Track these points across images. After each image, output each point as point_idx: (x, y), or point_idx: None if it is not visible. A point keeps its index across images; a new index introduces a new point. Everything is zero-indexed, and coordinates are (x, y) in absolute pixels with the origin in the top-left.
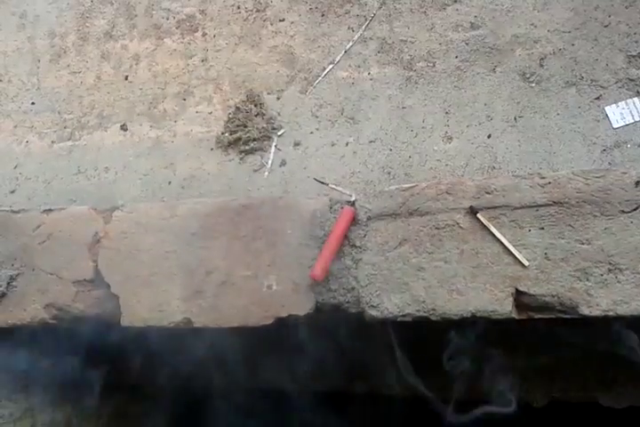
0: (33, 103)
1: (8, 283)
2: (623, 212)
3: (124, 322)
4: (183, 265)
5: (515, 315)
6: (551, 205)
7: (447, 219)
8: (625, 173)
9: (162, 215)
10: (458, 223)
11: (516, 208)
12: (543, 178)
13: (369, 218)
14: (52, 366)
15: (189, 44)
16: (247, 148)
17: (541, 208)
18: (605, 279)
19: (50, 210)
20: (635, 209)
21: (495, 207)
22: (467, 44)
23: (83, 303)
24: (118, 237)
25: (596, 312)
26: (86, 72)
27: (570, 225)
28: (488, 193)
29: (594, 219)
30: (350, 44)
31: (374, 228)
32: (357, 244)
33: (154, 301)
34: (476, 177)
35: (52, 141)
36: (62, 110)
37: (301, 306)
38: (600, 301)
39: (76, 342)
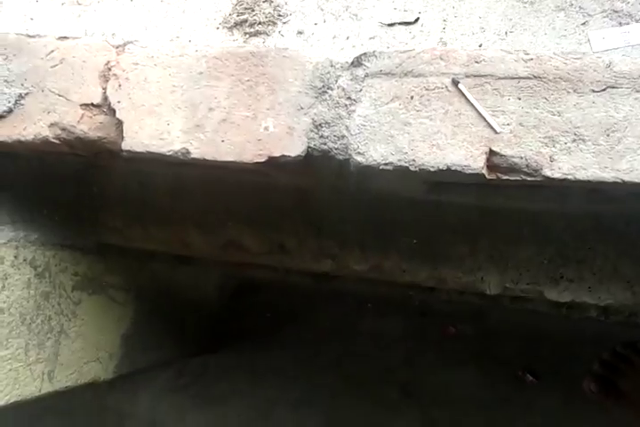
0: None
1: (16, 100)
2: (593, 91)
3: (125, 146)
4: (187, 100)
5: (485, 172)
6: (531, 78)
7: (437, 82)
8: (599, 58)
9: (173, 53)
10: (446, 86)
11: (500, 78)
12: (527, 54)
13: (366, 75)
14: (47, 206)
15: None
16: (252, 30)
17: (522, 80)
18: (569, 147)
19: (65, 37)
20: (603, 89)
21: (481, 76)
22: None
23: (87, 126)
24: (129, 67)
25: (556, 175)
26: None
27: (545, 98)
28: (477, 62)
29: (567, 94)
30: None
31: (370, 84)
32: (353, 97)
33: (156, 129)
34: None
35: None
36: None
37: (294, 148)
38: (562, 165)
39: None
